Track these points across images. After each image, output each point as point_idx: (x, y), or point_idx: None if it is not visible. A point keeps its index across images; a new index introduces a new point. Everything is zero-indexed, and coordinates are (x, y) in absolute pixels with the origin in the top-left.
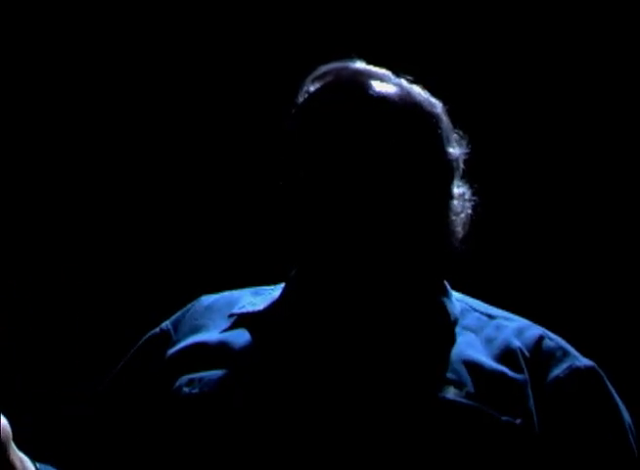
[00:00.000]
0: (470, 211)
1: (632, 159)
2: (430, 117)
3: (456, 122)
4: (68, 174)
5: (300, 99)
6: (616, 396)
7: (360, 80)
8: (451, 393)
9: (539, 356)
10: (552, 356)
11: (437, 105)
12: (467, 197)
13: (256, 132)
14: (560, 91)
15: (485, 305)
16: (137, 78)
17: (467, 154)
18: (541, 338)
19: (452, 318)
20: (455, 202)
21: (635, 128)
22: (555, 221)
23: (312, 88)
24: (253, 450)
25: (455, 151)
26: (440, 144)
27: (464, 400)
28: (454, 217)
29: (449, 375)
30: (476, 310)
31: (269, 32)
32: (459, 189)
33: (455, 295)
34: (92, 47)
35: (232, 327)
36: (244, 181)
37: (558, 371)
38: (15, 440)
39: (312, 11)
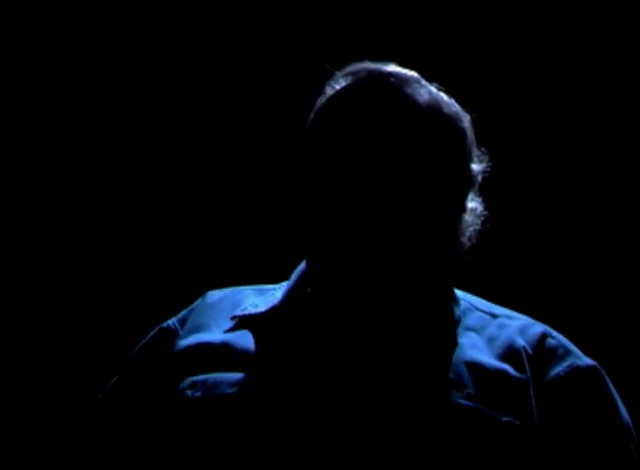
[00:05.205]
0: (479, 226)
1: (634, 166)
2: (457, 131)
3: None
4: (69, 174)
5: (328, 92)
6: (616, 396)
7: (391, 82)
8: (451, 394)
9: (541, 354)
10: (554, 354)
11: (465, 117)
12: (478, 212)
13: (263, 129)
14: (563, 102)
15: (488, 304)
16: (137, 78)
17: (487, 170)
18: (544, 336)
19: (454, 319)
20: (467, 216)
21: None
22: (557, 222)
23: (343, 83)
24: (257, 454)
25: (476, 166)
26: (464, 158)
27: (464, 402)
28: (463, 230)
29: (450, 376)
30: (478, 309)
31: (272, 33)
32: (472, 203)
33: (457, 293)
34: (92, 47)
35: (235, 328)
36: (249, 178)
37: (559, 369)
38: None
39: (317, 10)
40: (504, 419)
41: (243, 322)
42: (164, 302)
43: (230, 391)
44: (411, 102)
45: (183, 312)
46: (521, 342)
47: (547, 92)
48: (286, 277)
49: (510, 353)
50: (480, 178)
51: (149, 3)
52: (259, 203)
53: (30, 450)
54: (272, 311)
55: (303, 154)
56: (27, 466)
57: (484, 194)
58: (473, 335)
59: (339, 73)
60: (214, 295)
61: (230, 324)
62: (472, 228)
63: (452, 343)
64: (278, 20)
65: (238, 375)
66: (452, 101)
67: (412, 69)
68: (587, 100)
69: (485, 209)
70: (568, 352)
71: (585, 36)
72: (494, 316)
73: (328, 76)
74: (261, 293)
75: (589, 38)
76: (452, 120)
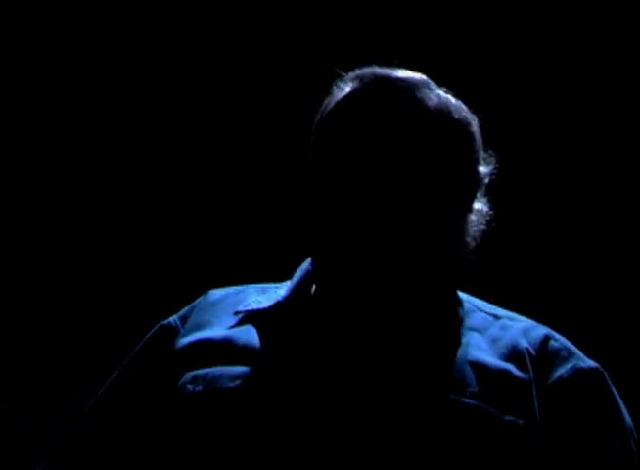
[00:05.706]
0: (483, 227)
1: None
2: (465, 134)
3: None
4: (69, 174)
5: (336, 94)
6: (618, 398)
7: (400, 85)
8: (454, 392)
9: (544, 356)
10: (556, 356)
11: (474, 121)
12: (484, 213)
13: (267, 130)
14: (570, 106)
15: (490, 306)
16: (137, 78)
17: (494, 172)
18: (547, 338)
19: (458, 318)
20: (472, 217)
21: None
22: (561, 224)
23: (351, 86)
24: (258, 448)
25: (484, 169)
26: (472, 162)
27: (467, 400)
28: (468, 230)
29: (453, 375)
30: (481, 311)
31: (279, 35)
32: (478, 204)
33: (460, 295)
34: (92, 47)
35: (237, 324)
36: (250, 178)
37: (562, 371)
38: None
39: (325, 13)
40: (507, 418)
41: (246, 318)
42: (164, 301)
43: (231, 384)
44: (420, 105)
45: (184, 310)
46: (524, 343)
47: (554, 96)
48: (287, 277)
49: (513, 354)
50: (487, 180)
51: (148, 3)
52: (260, 203)
53: (30, 450)
54: (276, 307)
55: (310, 154)
56: (27, 466)
57: (490, 195)
58: (476, 335)
59: (346, 77)
60: (216, 293)
61: (232, 321)
62: (476, 228)
63: (456, 342)
64: (286, 22)
65: (239, 369)
66: (461, 104)
67: (421, 72)
68: (594, 104)
69: (491, 209)
70: (570, 355)
71: (593, 42)
72: (497, 318)
73: (334, 79)
74: (264, 291)
75: (597, 44)
76: (461, 124)
